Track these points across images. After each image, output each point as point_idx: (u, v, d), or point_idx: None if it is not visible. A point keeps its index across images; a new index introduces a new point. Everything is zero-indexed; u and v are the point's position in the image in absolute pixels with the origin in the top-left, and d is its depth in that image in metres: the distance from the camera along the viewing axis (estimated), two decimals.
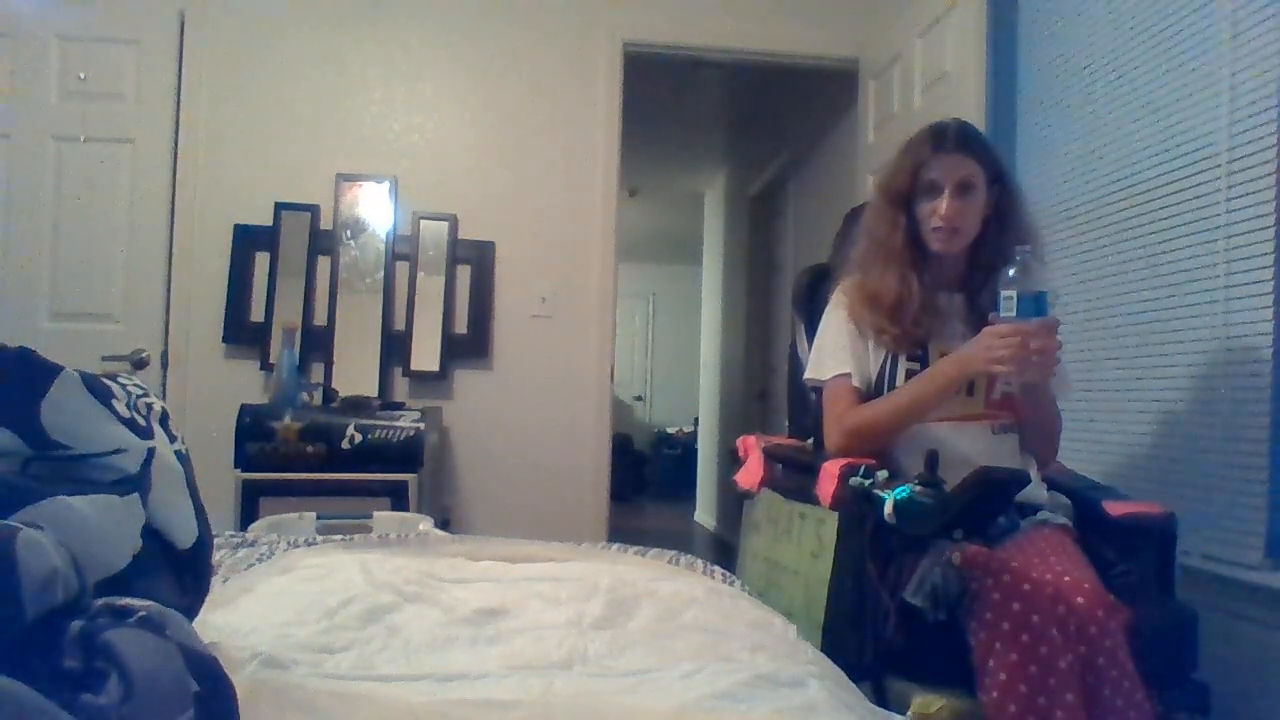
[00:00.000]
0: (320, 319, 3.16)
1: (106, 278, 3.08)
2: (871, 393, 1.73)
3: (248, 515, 2.54)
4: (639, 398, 9.84)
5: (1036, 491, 1.68)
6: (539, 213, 3.34)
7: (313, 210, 3.20)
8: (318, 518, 2.23)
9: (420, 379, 3.22)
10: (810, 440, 1.97)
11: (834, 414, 1.74)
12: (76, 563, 0.63)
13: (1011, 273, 1.53)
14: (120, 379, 0.89)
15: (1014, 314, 1.51)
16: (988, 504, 1.50)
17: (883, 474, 1.50)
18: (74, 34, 3.08)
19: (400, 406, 2.98)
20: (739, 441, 2.19)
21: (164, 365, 3.10)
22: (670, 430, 9.29)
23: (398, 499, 2.67)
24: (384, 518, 2.29)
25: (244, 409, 2.75)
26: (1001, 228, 1.70)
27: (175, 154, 3.13)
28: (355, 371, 3.13)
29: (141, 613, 0.63)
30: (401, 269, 3.23)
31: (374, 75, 3.28)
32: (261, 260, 3.17)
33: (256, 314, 3.15)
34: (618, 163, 3.39)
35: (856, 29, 3.45)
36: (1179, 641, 1.54)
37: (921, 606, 1.38)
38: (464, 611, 1.17)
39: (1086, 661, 1.29)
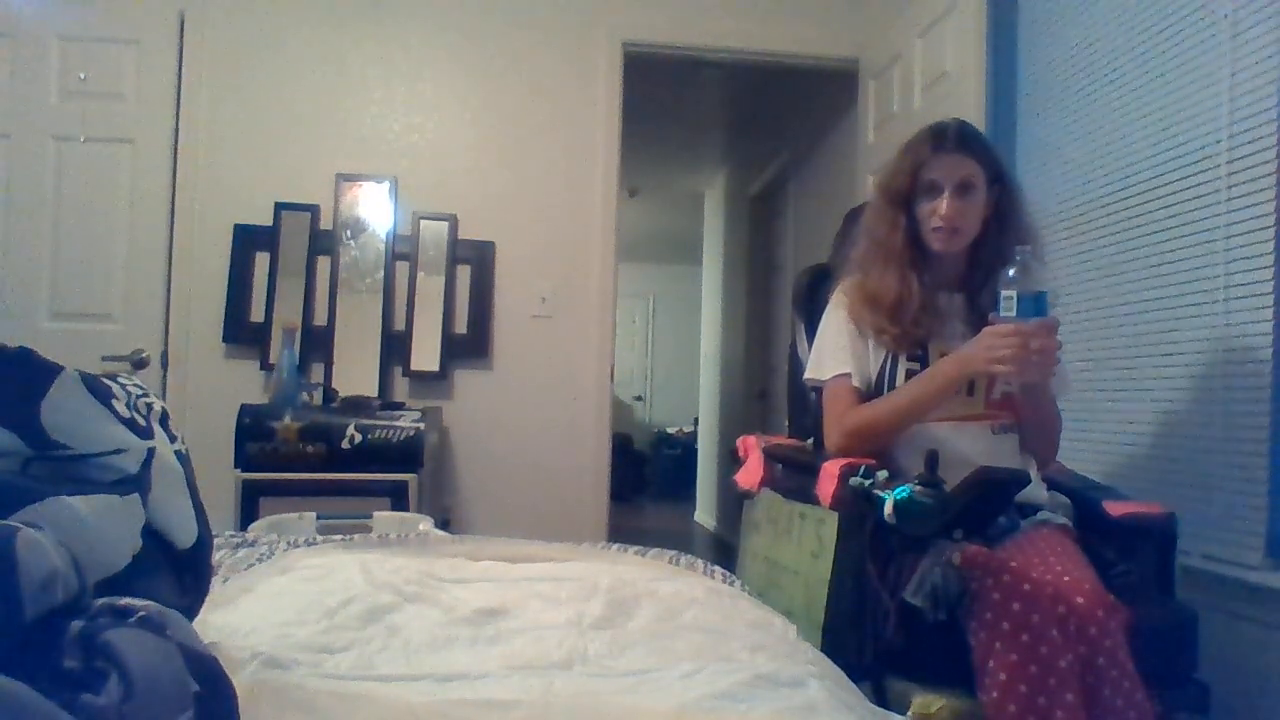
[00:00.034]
0: (320, 319, 3.16)
1: (106, 278, 3.08)
2: (871, 393, 1.73)
3: (248, 515, 2.54)
4: (639, 398, 9.84)
5: (1036, 491, 1.68)
6: (539, 213, 3.34)
7: (313, 210, 3.20)
8: (318, 518, 2.23)
9: (420, 379, 3.22)
10: (810, 440, 1.97)
11: (834, 414, 1.74)
12: (76, 563, 0.63)
13: (1011, 273, 1.53)
14: (120, 379, 0.89)
15: (1014, 314, 1.51)
16: (988, 504, 1.50)
17: (883, 474, 1.50)
18: (74, 34, 3.08)
19: (400, 406, 2.98)
20: (739, 441, 2.19)
21: (164, 365, 3.10)
22: (670, 430, 9.29)
23: (398, 499, 2.67)
24: (384, 518, 2.29)
25: (244, 409, 2.75)
26: (1001, 228, 1.70)
27: (175, 154, 3.14)
28: (355, 371, 3.13)
29: (141, 613, 0.63)
30: (401, 269, 3.23)
31: (374, 75, 3.28)
32: (261, 260, 3.18)
33: (256, 314, 3.16)
34: (618, 163, 3.39)
35: (856, 29, 3.45)
36: (1179, 641, 1.54)
37: (921, 606, 1.38)
38: (464, 611, 1.17)
39: (1086, 661, 1.29)
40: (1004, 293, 1.53)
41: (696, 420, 7.90)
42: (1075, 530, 1.66)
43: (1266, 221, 1.81)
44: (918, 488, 1.39)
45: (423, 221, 3.26)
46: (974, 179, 1.67)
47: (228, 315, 3.15)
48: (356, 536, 1.85)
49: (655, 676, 0.95)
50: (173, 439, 0.91)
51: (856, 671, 1.27)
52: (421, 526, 2.18)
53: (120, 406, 0.85)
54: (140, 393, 0.90)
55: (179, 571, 0.86)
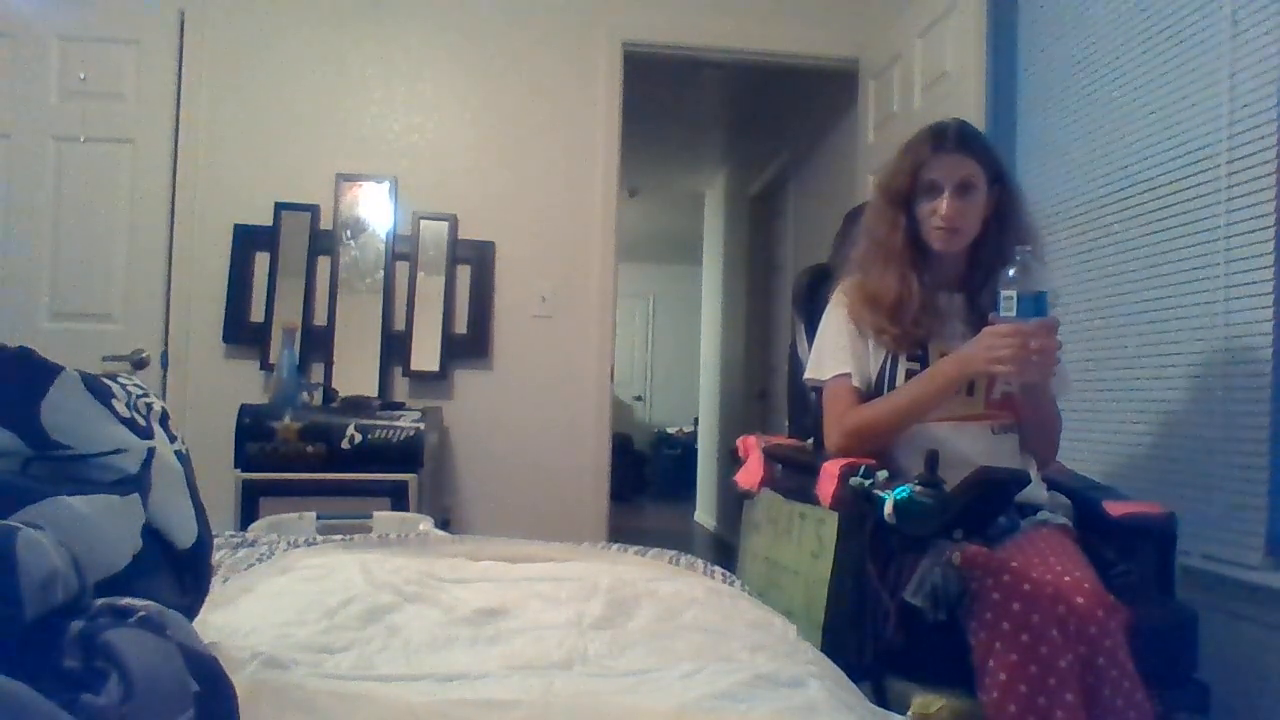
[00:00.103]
0: (320, 319, 3.16)
1: (106, 278, 3.08)
2: (871, 393, 1.73)
3: (248, 515, 2.54)
4: (639, 398, 9.84)
5: (1036, 491, 1.68)
6: (539, 213, 3.34)
7: (313, 210, 3.20)
8: (318, 518, 2.23)
9: (420, 379, 3.22)
10: (810, 440, 1.97)
11: (834, 414, 1.74)
12: (76, 563, 0.63)
13: (1011, 273, 1.52)
14: (120, 379, 0.89)
15: (1014, 314, 1.51)
16: (988, 504, 1.50)
17: (883, 474, 1.50)
18: (74, 34, 3.08)
19: (400, 406, 2.98)
20: (739, 441, 2.18)
21: (164, 365, 3.10)
22: (670, 430, 9.29)
23: (398, 499, 2.66)
24: (384, 518, 2.29)
25: (244, 409, 2.75)
26: (1001, 228, 1.70)
27: (175, 154, 3.14)
28: (355, 371, 3.13)
29: (141, 613, 0.63)
30: (401, 269, 3.23)
31: (374, 75, 3.28)
32: (261, 260, 3.17)
33: (256, 314, 3.15)
34: (618, 163, 3.39)
35: (856, 29, 3.45)
36: (1179, 641, 1.54)
37: (921, 606, 1.38)
38: (464, 611, 1.17)
39: (1086, 661, 1.29)
40: (1004, 293, 1.53)
41: (696, 420, 7.90)
42: (1075, 530, 1.66)
43: (1266, 221, 1.81)
44: (918, 488, 1.39)
45: (423, 221, 3.26)
46: (974, 179, 1.67)
47: (228, 315, 3.15)
48: (356, 536, 1.85)
49: (655, 676, 0.95)
50: (173, 439, 0.91)
51: (856, 671, 1.27)
52: (421, 526, 2.18)
53: (120, 406, 0.85)
54: (140, 393, 0.90)
55: (179, 571, 0.86)
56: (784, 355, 2.68)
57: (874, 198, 1.85)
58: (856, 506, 1.50)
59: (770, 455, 1.99)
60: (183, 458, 0.92)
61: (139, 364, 3.02)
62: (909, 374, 1.70)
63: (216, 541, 1.51)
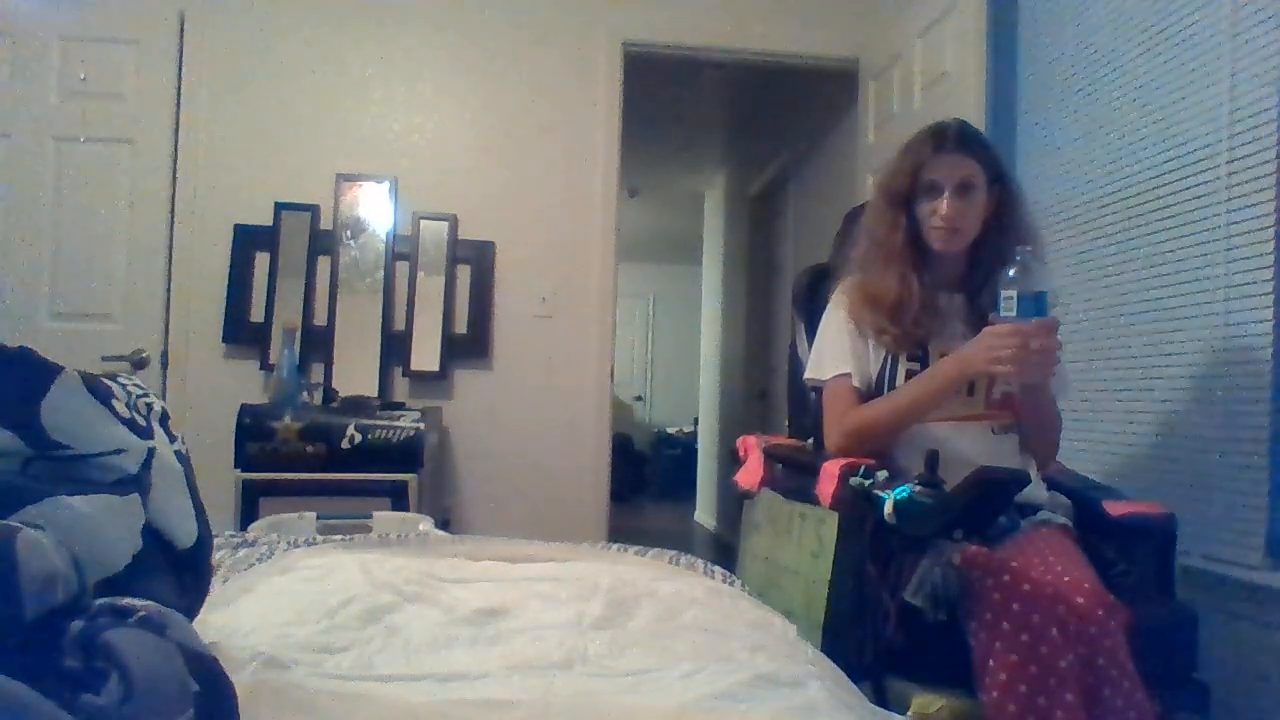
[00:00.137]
0: (320, 319, 3.16)
1: (106, 278, 3.08)
2: (871, 393, 1.73)
3: (248, 515, 2.54)
4: (639, 398, 9.84)
5: (1036, 491, 1.68)
6: (539, 213, 3.34)
7: (313, 210, 3.20)
8: (318, 518, 2.22)
9: (420, 379, 3.22)
10: (810, 440, 1.97)
11: (834, 414, 1.74)
12: (76, 563, 0.63)
13: (1011, 273, 1.52)
14: (120, 379, 0.89)
15: (1014, 314, 1.51)
16: (988, 504, 1.50)
17: (883, 474, 1.50)
18: (74, 34, 3.08)
19: (400, 406, 2.98)
20: (739, 441, 2.18)
21: (164, 365, 3.10)
22: (670, 430, 9.29)
23: (398, 499, 2.66)
24: (384, 518, 2.29)
25: (244, 409, 2.75)
26: (1001, 228, 1.70)
27: (175, 154, 3.14)
28: (355, 371, 3.13)
29: (141, 613, 0.63)
30: (401, 269, 3.23)
31: (374, 75, 3.27)
32: (261, 260, 3.17)
33: (256, 314, 3.15)
34: (618, 163, 3.39)
35: (856, 29, 3.45)
36: (1179, 641, 1.54)
37: (921, 606, 1.38)
38: (464, 611, 1.17)
39: (1086, 661, 1.29)
40: (1004, 293, 1.53)
41: (696, 420, 7.90)
42: (1075, 530, 1.66)
43: (1266, 221, 1.81)
44: (918, 488, 1.38)
45: (423, 221, 3.26)
46: (974, 179, 1.67)
47: (228, 315, 3.15)
48: (356, 536, 1.85)
49: (655, 676, 0.95)
50: (172, 439, 0.91)
51: (856, 671, 1.27)
52: (421, 526, 2.18)
53: (120, 406, 0.85)
54: (140, 393, 0.90)
55: (179, 571, 0.86)
56: (784, 355, 2.68)
57: (874, 198, 1.85)
58: (856, 506, 1.50)
59: (770, 455, 1.99)
60: (183, 458, 0.92)
61: (139, 364, 3.02)
62: (909, 374, 1.70)
63: (216, 541, 1.51)
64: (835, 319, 1.79)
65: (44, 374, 0.78)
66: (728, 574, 1.63)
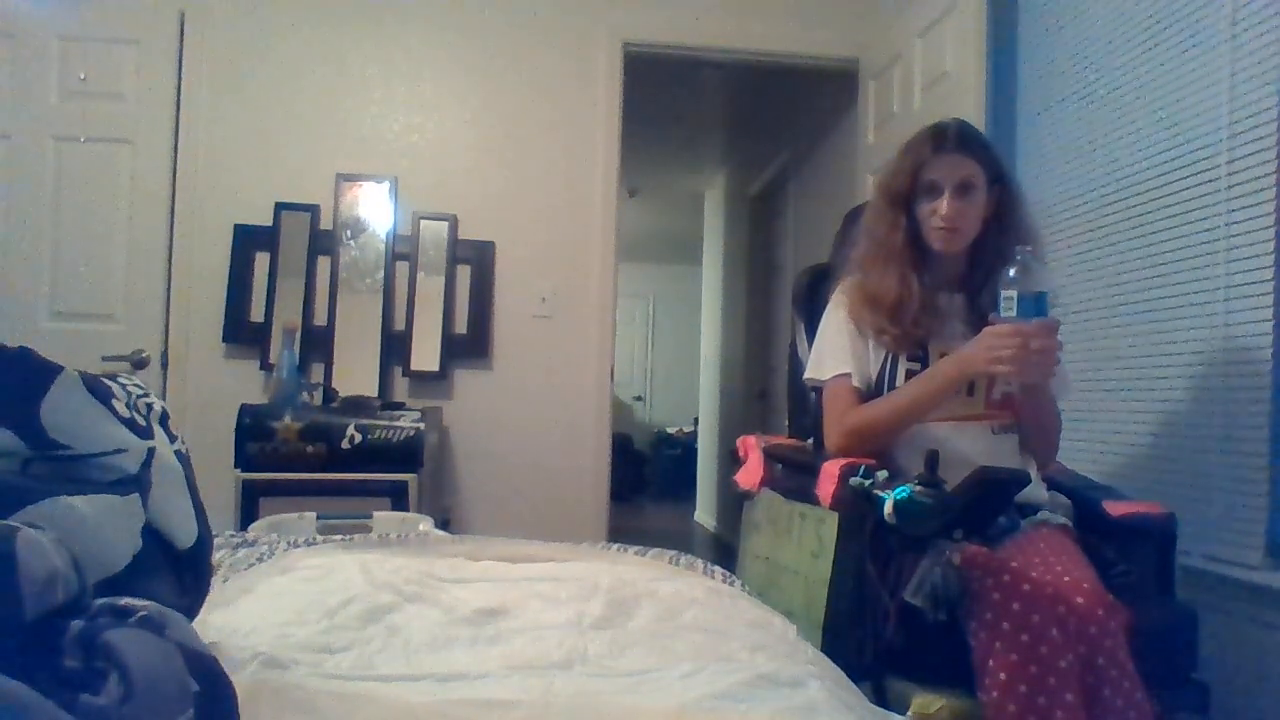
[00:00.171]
0: (320, 319, 3.16)
1: (106, 278, 3.08)
2: (871, 393, 1.73)
3: (248, 515, 2.54)
4: (639, 398, 9.84)
5: (1036, 491, 1.68)
6: (539, 213, 3.34)
7: (313, 210, 3.20)
8: (318, 518, 2.22)
9: (420, 379, 3.22)
10: (810, 440, 1.97)
11: (834, 414, 1.74)
12: (76, 563, 0.63)
13: (1012, 273, 1.52)
14: (120, 379, 0.89)
15: (1014, 314, 1.51)
16: (988, 504, 1.50)
17: (883, 474, 1.50)
18: (74, 34, 3.08)
19: (400, 406, 2.98)
20: (739, 441, 2.19)
21: (164, 365, 3.10)
22: (670, 430, 9.29)
23: (398, 499, 2.66)
24: (384, 518, 2.29)
25: (244, 409, 2.75)
26: (1001, 228, 1.70)
27: (175, 154, 3.14)
28: (355, 371, 3.13)
29: (141, 613, 0.63)
30: (401, 269, 3.23)
31: (374, 75, 3.28)
32: (261, 260, 3.17)
33: (256, 314, 3.15)
34: (618, 163, 3.39)
35: (856, 29, 3.45)
36: (1179, 641, 1.54)
37: (921, 606, 1.38)
38: (464, 611, 1.17)
39: (1086, 661, 1.29)
40: (1004, 293, 1.53)
41: (696, 420, 7.90)
42: (1075, 530, 1.66)
43: (1266, 221, 1.82)
44: (918, 488, 1.38)
45: (423, 221, 3.26)
46: (974, 179, 1.67)
47: (228, 315, 3.15)
48: (356, 536, 1.85)
49: (655, 676, 0.95)
50: (172, 439, 0.91)
51: (856, 671, 1.27)
52: (421, 526, 2.18)
53: (120, 406, 0.85)
54: (140, 393, 0.90)
55: (179, 571, 0.86)
56: (784, 355, 2.68)
57: (874, 198, 1.85)
58: (856, 506, 1.50)
59: (770, 455, 1.99)
60: (183, 458, 0.92)
61: (139, 364, 3.02)
62: (909, 374, 1.70)
63: (216, 541, 1.51)
64: (835, 319, 1.79)
65: (44, 374, 0.78)
66: (728, 574, 1.63)
